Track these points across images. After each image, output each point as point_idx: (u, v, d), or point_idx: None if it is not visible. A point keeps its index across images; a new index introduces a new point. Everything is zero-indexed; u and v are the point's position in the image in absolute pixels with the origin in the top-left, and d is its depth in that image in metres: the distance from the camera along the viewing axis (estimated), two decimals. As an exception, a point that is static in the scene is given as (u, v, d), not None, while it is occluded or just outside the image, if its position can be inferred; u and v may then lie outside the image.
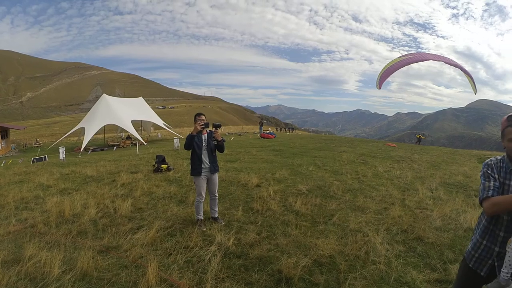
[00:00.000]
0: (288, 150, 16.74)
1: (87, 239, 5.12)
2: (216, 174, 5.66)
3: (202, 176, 5.45)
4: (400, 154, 16.05)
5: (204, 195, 5.55)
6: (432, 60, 9.07)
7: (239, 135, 37.72)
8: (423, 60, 9.23)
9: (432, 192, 8.05)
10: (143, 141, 28.72)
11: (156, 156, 12.08)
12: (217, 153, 5.64)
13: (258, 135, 32.28)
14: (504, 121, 2.20)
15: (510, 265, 2.04)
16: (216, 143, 5.47)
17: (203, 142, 5.45)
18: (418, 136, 32.85)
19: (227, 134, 39.02)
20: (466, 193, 8.09)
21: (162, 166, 10.93)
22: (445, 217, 6.00)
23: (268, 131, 35.34)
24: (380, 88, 9.58)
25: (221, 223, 5.65)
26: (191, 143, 5.37)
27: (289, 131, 50.73)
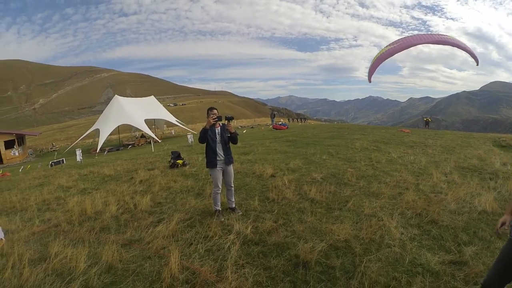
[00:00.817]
0: (301, 140, 16.82)
1: (110, 234, 5.37)
2: (231, 165, 5.82)
3: (217, 168, 5.63)
4: (413, 140, 15.92)
5: (220, 187, 5.72)
6: (423, 43, 8.94)
7: (252, 127, 37.85)
8: (410, 46, 9.10)
9: (446, 176, 8.04)
10: (157, 139, 29.14)
11: (172, 152, 12.32)
12: (231, 145, 5.81)
13: (271, 126, 32.39)
14: None
15: None
16: (229, 135, 5.65)
17: (217, 135, 5.61)
18: (425, 119, 32.77)
19: (239, 127, 39.21)
20: (480, 176, 8.03)
21: (177, 161, 11.17)
22: (460, 200, 6.03)
23: (281, 122, 35.39)
24: (369, 82, 9.49)
25: (239, 213, 5.85)
26: (205, 136, 5.55)
27: (301, 121, 50.63)
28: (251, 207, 6.13)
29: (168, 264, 3.96)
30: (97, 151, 25.82)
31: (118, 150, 28.29)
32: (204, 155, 5.82)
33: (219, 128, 5.68)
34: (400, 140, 15.74)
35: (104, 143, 27.95)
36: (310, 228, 4.96)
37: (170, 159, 11.90)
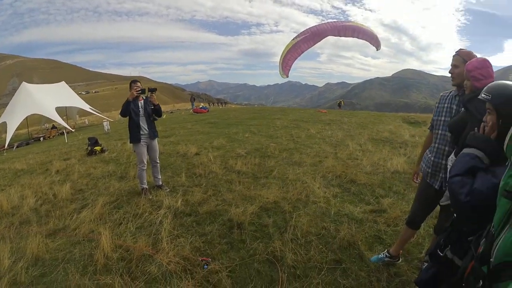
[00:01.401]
0: (222, 121, 16.94)
1: (31, 226, 4.92)
2: (156, 140, 5.77)
3: (141, 143, 5.51)
4: (330, 118, 17.13)
5: (145, 163, 5.63)
6: (332, 35, 9.57)
7: (171, 112, 36.75)
8: (321, 38, 9.68)
9: (361, 146, 8.92)
10: (70, 128, 26.80)
11: (88, 139, 11.58)
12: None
13: (191, 111, 31.93)
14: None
15: None
16: (153, 107, 5.58)
17: (140, 109, 5.50)
18: (338, 102, 37.18)
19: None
20: (392, 146, 9.08)
21: (95, 148, 10.55)
22: (374, 164, 6.83)
23: (201, 106, 35.11)
24: (287, 76, 9.85)
25: (166, 189, 5.75)
26: (128, 109, 5.38)
27: (222, 105, 50.73)
28: (179, 183, 6.09)
29: (99, 245, 3.76)
30: (5, 148, 22.91)
31: (28, 144, 25.41)
32: (128, 133, 5.63)
33: (142, 101, 5.57)
34: (318, 119, 16.82)
35: (12, 138, 24.86)
36: (240, 195, 5.15)
37: (87, 146, 11.16)
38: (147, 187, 5.71)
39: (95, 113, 35.71)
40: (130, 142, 5.65)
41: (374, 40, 9.67)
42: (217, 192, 5.45)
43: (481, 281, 1.23)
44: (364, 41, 8.74)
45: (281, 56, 9.59)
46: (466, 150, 1.64)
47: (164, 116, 27.87)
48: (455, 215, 1.69)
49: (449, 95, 2.75)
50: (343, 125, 13.99)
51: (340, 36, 9.64)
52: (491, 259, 1.20)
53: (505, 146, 1.26)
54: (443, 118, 2.72)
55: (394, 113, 24.06)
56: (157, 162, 5.84)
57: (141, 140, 5.51)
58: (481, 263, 1.26)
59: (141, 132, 5.51)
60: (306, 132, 11.81)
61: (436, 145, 2.76)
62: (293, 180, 5.83)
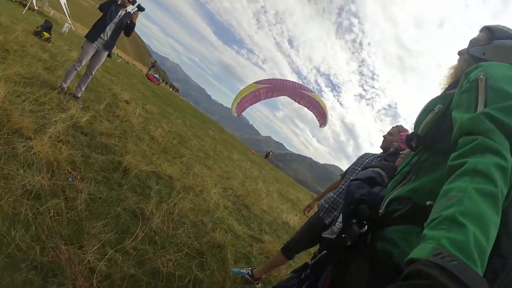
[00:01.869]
0: (165, 100, 16.79)
1: None
2: (106, 54, 5.55)
3: (94, 44, 5.29)
4: (255, 159, 17.72)
5: (82, 65, 5.38)
6: (289, 96, 10.17)
7: (127, 63, 34.85)
8: (281, 95, 10.24)
9: (268, 190, 9.22)
10: (34, 5, 23.92)
11: (45, 21, 10.93)
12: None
13: (145, 73, 30.99)
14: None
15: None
16: (129, 22, 5.46)
17: (117, 16, 5.33)
18: (267, 152, 38.07)
19: (117, 55, 35.59)
20: (293, 206, 9.57)
21: (44, 33, 9.90)
22: (272, 207, 7.05)
23: (156, 76, 34.22)
24: (238, 115, 10.16)
25: (80, 105, 5.29)
26: (109, 7, 5.23)
27: (173, 90, 49.51)
28: (95, 108, 5.61)
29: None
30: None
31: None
32: (90, 29, 5.39)
33: (123, 12, 5.41)
34: (245, 152, 17.29)
35: None
36: (142, 153, 4.86)
37: (39, 26, 10.48)
38: (66, 88, 5.32)
39: (65, 10, 32.14)
40: (85, 36, 5.37)
41: (321, 117, 10.28)
42: (124, 138, 5.06)
43: (366, 226, 1.37)
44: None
45: (239, 94, 9.69)
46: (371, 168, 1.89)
47: (118, 61, 26.49)
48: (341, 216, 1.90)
49: (373, 155, 3.14)
50: (262, 170, 14.46)
51: (295, 101, 10.14)
52: (379, 211, 1.38)
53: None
54: (358, 168, 3.03)
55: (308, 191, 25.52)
56: (92, 74, 5.55)
57: (96, 41, 5.29)
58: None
59: (102, 35, 5.31)
60: (229, 153, 12.02)
61: (343, 187, 3.03)
62: (196, 174, 5.70)
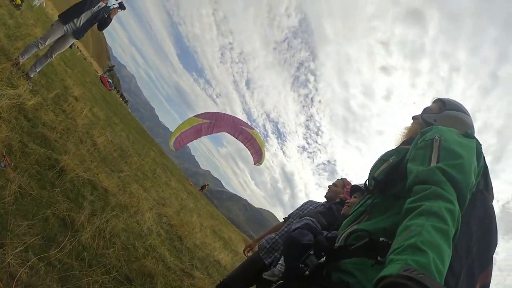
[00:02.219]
0: (114, 107, 16.18)
1: None
2: (73, 40, 5.33)
3: (64, 27, 5.03)
4: (192, 191, 17.34)
5: (45, 44, 5.07)
6: (229, 132, 10.39)
7: (85, 59, 33.22)
8: (222, 131, 10.45)
9: (201, 225, 8.94)
10: None
11: None
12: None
13: (99, 75, 30.03)
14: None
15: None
16: (106, 17, 5.28)
17: (96, 7, 5.14)
18: (204, 184, 36.73)
19: (78, 47, 33.82)
20: (225, 245, 9.28)
21: None
22: (205, 243, 6.85)
23: (110, 81, 33.27)
24: (176, 150, 10.22)
25: (30, 86, 4.87)
26: None
27: (123, 100, 48.07)
28: (44, 95, 5.21)
29: None
30: None
31: None
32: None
33: (104, 4, 5.26)
34: (184, 183, 16.94)
35: None
36: (81, 157, 4.49)
37: None
38: (21, 63, 5.00)
39: None
40: (58, 16, 5.13)
41: (256, 154, 10.46)
42: (66, 134, 4.65)
43: (324, 257, 1.57)
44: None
45: (178, 128, 9.67)
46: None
47: (77, 54, 25.31)
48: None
49: (317, 203, 3.32)
50: (198, 203, 14.19)
51: (234, 136, 10.31)
52: (335, 244, 1.54)
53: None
54: (301, 213, 3.17)
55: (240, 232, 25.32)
56: (51, 58, 5.25)
57: (67, 24, 5.05)
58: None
59: (75, 20, 5.08)
60: (167, 179, 11.71)
61: (285, 229, 3.09)
62: (133, 193, 5.37)
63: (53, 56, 5.21)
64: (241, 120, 10.69)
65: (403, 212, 1.18)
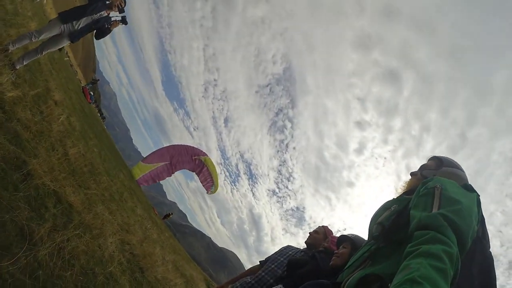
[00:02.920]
0: (93, 120, 15.85)
1: None
2: (67, 43, 5.31)
3: (62, 26, 4.96)
4: (158, 221, 16.79)
5: (39, 38, 4.97)
6: (188, 169, 10.34)
7: (72, 66, 33.13)
8: (181, 169, 10.37)
9: (164, 258, 8.50)
10: None
11: None
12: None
13: (82, 85, 29.95)
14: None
15: None
16: (106, 27, 5.30)
17: (99, 14, 5.12)
18: (168, 213, 35.82)
19: (67, 53, 33.57)
20: (186, 284, 8.85)
21: None
22: (166, 278, 6.54)
23: (91, 94, 33.26)
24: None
25: (13, 77, 4.73)
26: (97, 0, 5.09)
27: (100, 115, 47.60)
28: (25, 91, 5.03)
29: None
30: None
31: None
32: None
33: (108, 14, 5.26)
34: (149, 211, 16.50)
35: None
36: (50, 165, 4.23)
37: None
38: (11, 51, 4.96)
39: None
40: (59, 13, 5.08)
41: (206, 183, 10.35)
42: (38, 138, 4.40)
43: None
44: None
45: (135, 175, 9.62)
46: None
47: (65, 59, 25.17)
48: None
49: (296, 248, 3.34)
50: (161, 235, 13.71)
51: (195, 172, 10.26)
52: None
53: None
54: (281, 259, 3.11)
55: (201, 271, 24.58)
56: (41, 54, 5.18)
57: (65, 25, 5.00)
58: None
59: (75, 23, 5.04)
60: (134, 205, 11.26)
61: (263, 273, 3.01)
62: (97, 213, 5.03)
63: (43, 52, 5.10)
64: (193, 147, 10.64)
65: (404, 256, 1.29)
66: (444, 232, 1.30)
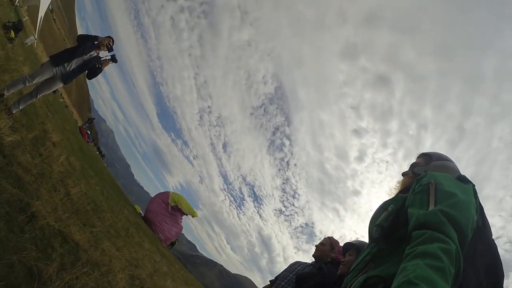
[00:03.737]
0: (92, 159, 15.98)
1: None
2: (61, 84, 5.33)
3: (54, 69, 5.07)
4: (166, 254, 16.64)
5: (32, 83, 5.07)
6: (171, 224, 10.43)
7: (67, 107, 33.52)
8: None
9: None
10: None
11: (18, 21, 11.17)
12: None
13: (79, 125, 30.37)
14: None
15: None
16: (97, 67, 5.41)
17: (89, 54, 5.24)
18: (174, 241, 35.51)
19: (61, 94, 33.99)
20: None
21: (12, 31, 10.02)
22: None
23: (89, 133, 33.52)
24: None
25: (10, 122, 4.87)
26: (86, 42, 5.23)
27: (99, 153, 47.74)
28: (23, 135, 5.11)
29: None
30: None
31: None
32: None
33: (96, 54, 5.39)
34: (157, 244, 16.29)
35: None
36: (53, 206, 4.30)
37: (11, 22, 10.54)
38: (6, 96, 5.06)
39: (38, 23, 30.77)
40: (50, 57, 5.18)
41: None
42: (40, 180, 4.47)
43: None
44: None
45: None
46: None
47: (60, 100, 25.61)
48: None
49: (304, 263, 3.37)
50: (171, 267, 13.69)
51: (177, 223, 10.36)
52: None
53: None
54: (290, 275, 3.17)
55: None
56: (36, 98, 5.27)
57: (56, 67, 5.10)
58: None
59: (66, 65, 5.13)
60: (140, 240, 11.25)
61: None
62: (104, 250, 5.09)
63: (38, 96, 5.21)
64: (158, 200, 10.64)
65: (403, 258, 1.31)
66: (442, 229, 1.32)
